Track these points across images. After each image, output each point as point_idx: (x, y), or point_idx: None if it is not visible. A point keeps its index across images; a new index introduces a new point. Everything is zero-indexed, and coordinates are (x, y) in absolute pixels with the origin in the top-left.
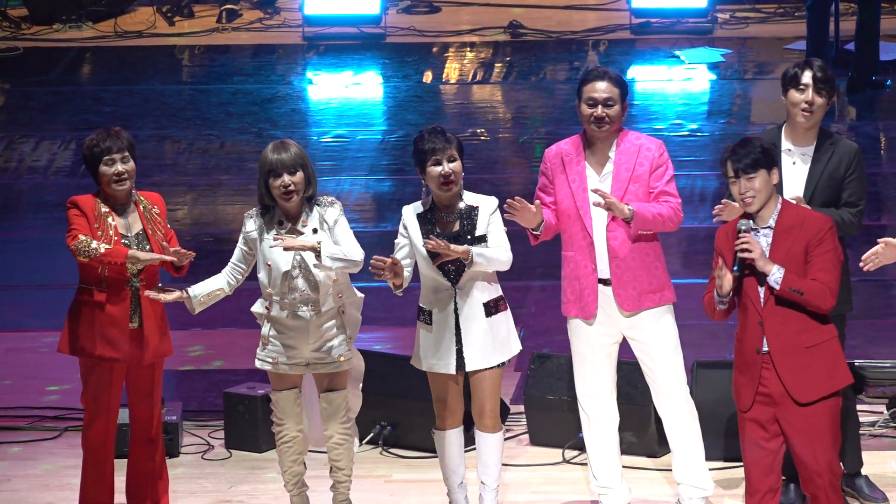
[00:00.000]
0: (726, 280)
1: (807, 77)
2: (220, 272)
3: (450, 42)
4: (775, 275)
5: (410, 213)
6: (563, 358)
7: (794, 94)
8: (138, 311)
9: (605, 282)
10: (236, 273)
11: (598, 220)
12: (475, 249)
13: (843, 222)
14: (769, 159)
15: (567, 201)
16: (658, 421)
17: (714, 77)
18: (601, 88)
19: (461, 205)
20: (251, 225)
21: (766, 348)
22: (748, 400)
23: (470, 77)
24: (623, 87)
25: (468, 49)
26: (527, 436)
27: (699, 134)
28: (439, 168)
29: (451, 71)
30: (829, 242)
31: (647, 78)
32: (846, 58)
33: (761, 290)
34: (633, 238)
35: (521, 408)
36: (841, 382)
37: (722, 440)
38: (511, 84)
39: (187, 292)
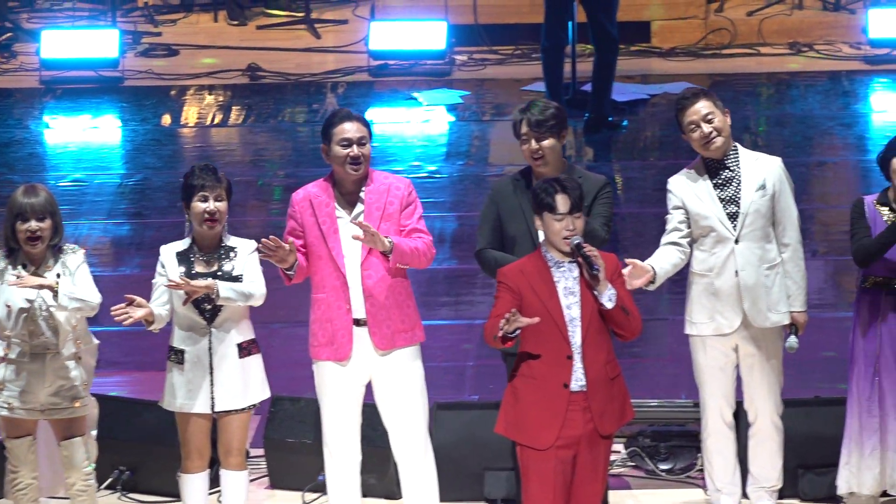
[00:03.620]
0: (521, 321)
1: (524, 127)
2: None
3: (188, 85)
4: (609, 291)
5: (169, 252)
6: (303, 401)
7: (521, 146)
8: None
9: (359, 322)
10: None
11: (352, 260)
12: (223, 284)
13: (592, 231)
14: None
15: (318, 244)
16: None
17: (452, 119)
18: (353, 129)
19: (221, 245)
20: None
21: (578, 385)
22: (550, 438)
23: (209, 120)
24: (369, 126)
25: (207, 92)
26: (267, 479)
27: (438, 175)
28: (204, 205)
29: (190, 114)
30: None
31: (385, 120)
32: (583, 99)
33: (578, 325)
34: (390, 274)
35: (261, 451)
36: (630, 415)
37: (460, 481)
38: (250, 127)
39: None
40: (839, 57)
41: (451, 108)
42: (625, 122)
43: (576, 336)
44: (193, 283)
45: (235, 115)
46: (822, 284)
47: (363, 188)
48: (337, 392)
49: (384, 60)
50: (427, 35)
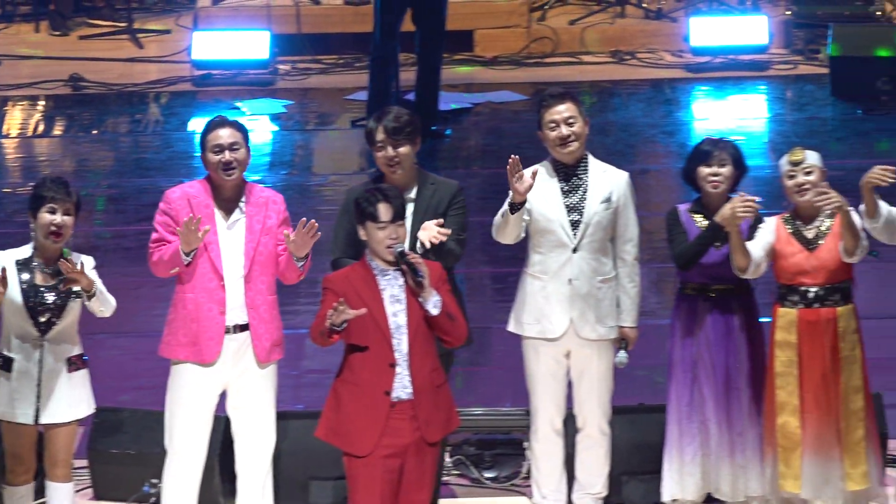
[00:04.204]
0: (349, 313)
1: (381, 134)
2: None
3: (10, 96)
4: (434, 298)
5: (8, 258)
6: (127, 412)
7: (376, 153)
8: None
9: (229, 329)
10: None
11: (232, 267)
12: (99, 284)
13: (449, 251)
14: None
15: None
16: (222, 472)
17: (276, 128)
18: (225, 135)
19: (61, 258)
20: None
21: (405, 393)
22: (369, 445)
23: (31, 130)
24: (244, 132)
25: (28, 102)
26: (91, 490)
27: (261, 185)
28: (51, 217)
29: (12, 125)
30: (448, 283)
31: None
32: (410, 107)
33: (405, 333)
34: (269, 290)
35: (85, 462)
36: (456, 423)
37: (286, 491)
38: (72, 137)
39: None
40: (661, 65)
41: (275, 118)
42: (448, 131)
43: (402, 344)
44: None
45: (58, 125)
46: (644, 292)
47: (242, 198)
48: (194, 395)
49: (207, 70)
50: (250, 45)
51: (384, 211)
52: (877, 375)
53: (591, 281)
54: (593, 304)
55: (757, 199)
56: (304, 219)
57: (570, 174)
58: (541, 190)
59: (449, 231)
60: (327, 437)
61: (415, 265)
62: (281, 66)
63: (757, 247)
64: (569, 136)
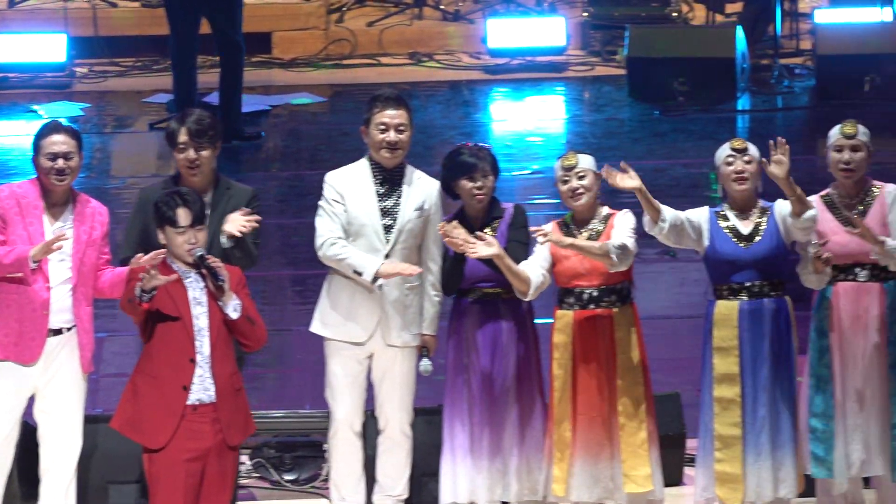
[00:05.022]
0: (159, 279)
1: (183, 136)
2: None
3: None
4: (234, 301)
5: None
6: None
7: (177, 155)
8: None
9: (53, 332)
10: None
11: (58, 273)
12: None
13: (248, 249)
14: None
15: (22, 243)
16: (20, 476)
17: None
18: (60, 141)
19: None
20: None
21: (206, 397)
22: (164, 437)
23: None
24: (79, 139)
25: None
26: None
27: (86, 195)
28: None
29: None
30: (247, 287)
31: (5, 133)
32: (211, 110)
33: (206, 335)
34: (86, 300)
35: None
36: (253, 428)
37: (85, 495)
38: None
39: None
40: (459, 67)
41: (72, 121)
42: (262, 133)
43: (204, 346)
44: None
45: None
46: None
47: (69, 205)
48: (9, 395)
49: (4, 73)
50: (47, 47)
51: (183, 216)
52: (674, 375)
53: (400, 287)
54: (400, 311)
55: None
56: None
57: (387, 178)
58: (357, 191)
59: (256, 219)
60: (122, 429)
61: (215, 269)
62: (78, 69)
63: (535, 265)
64: (396, 142)
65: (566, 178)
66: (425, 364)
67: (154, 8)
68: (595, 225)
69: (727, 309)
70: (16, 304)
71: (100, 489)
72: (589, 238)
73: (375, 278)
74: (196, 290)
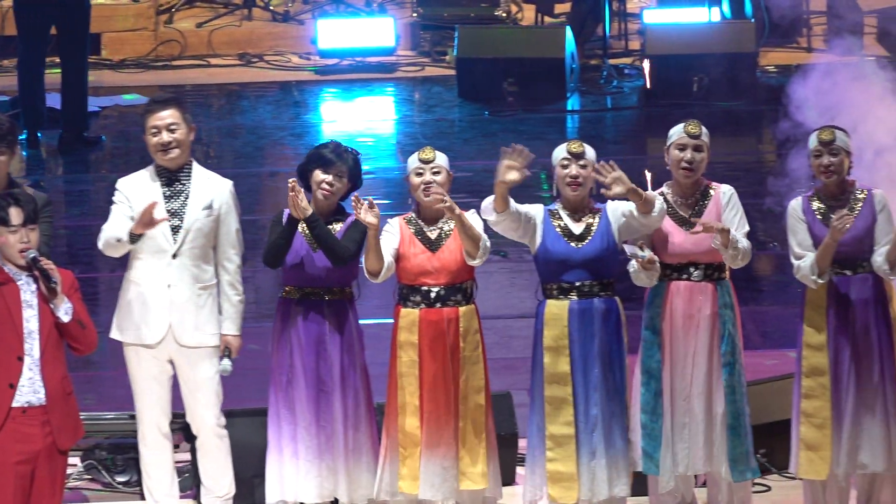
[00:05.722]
0: None
1: None
2: None
3: None
4: (66, 304)
5: None
6: None
7: None
8: None
9: None
10: None
11: None
12: None
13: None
14: None
15: None
16: None
17: None
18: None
19: None
20: None
21: (35, 400)
22: None
23: None
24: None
25: None
26: None
27: None
28: None
29: None
30: (79, 291)
31: None
32: (53, 115)
33: (37, 338)
34: None
35: None
36: (83, 431)
37: None
38: None
39: None
40: (289, 68)
41: None
42: (103, 138)
43: (34, 350)
44: None
45: None
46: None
47: None
48: None
49: None
50: None
51: (15, 214)
52: (506, 375)
53: (192, 288)
54: (193, 311)
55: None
56: None
57: (172, 179)
58: (143, 194)
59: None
60: None
61: (48, 271)
62: None
63: (385, 252)
64: (170, 142)
65: (420, 171)
66: (225, 364)
67: None
68: (443, 223)
69: (557, 308)
70: None
71: None
72: (438, 237)
73: (131, 236)
74: (27, 292)
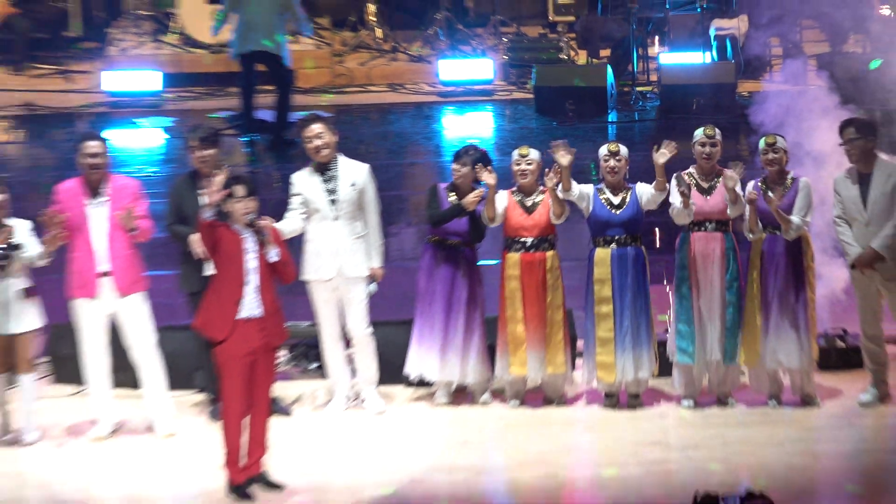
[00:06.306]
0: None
1: (193, 141)
2: None
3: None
4: (274, 249)
5: None
6: (65, 326)
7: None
8: None
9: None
10: None
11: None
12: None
13: None
14: None
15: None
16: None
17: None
18: (94, 146)
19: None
20: None
21: (256, 312)
22: (225, 332)
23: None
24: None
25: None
26: (49, 378)
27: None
28: None
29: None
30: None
31: (115, 139)
32: (264, 125)
33: (256, 272)
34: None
35: (47, 359)
36: (287, 334)
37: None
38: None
39: None
40: (422, 93)
41: (166, 130)
42: (297, 140)
43: (254, 280)
44: None
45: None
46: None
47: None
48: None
49: (116, 98)
50: (146, 80)
51: (240, 189)
52: (570, 298)
53: (349, 238)
54: (351, 254)
55: (484, 188)
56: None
57: (326, 169)
58: (307, 184)
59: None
60: (202, 326)
61: (262, 228)
62: (168, 95)
63: (498, 206)
64: (320, 145)
65: (518, 162)
66: (371, 287)
67: (220, 53)
68: (535, 195)
69: (603, 254)
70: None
71: (189, 374)
72: (532, 205)
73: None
74: (249, 242)
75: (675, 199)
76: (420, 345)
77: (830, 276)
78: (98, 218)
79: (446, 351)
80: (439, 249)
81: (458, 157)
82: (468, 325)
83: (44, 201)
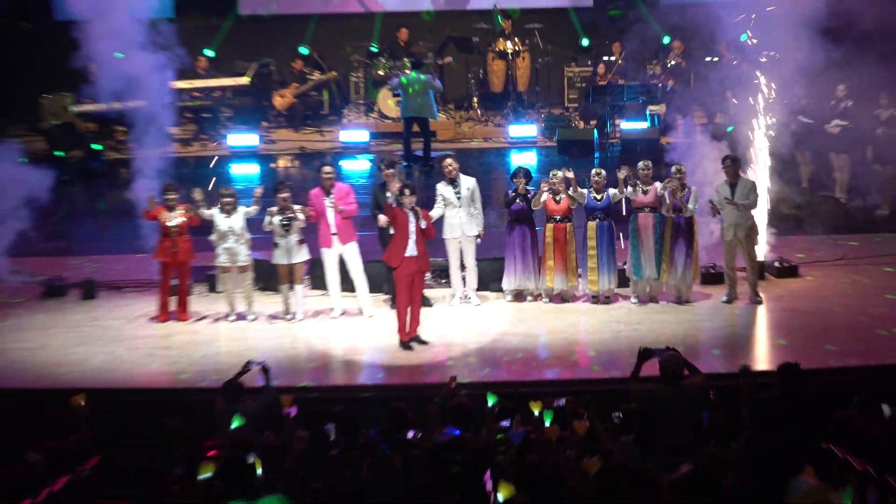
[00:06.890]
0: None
1: (386, 168)
2: None
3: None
4: (422, 221)
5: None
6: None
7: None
8: None
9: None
10: None
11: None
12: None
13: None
14: None
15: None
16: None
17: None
18: (328, 170)
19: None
20: None
21: (414, 252)
22: (398, 262)
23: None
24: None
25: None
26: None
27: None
28: None
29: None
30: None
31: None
32: (416, 157)
33: (415, 232)
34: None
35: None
36: (430, 264)
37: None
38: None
39: None
40: (499, 141)
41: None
42: (436, 166)
43: (413, 237)
44: None
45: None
46: (495, 220)
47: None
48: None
49: (349, 150)
50: (358, 136)
51: (407, 190)
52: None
53: (467, 216)
54: (466, 224)
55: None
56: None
57: (454, 183)
58: (444, 190)
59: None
60: (387, 259)
61: (416, 211)
62: (371, 143)
63: (541, 200)
64: (451, 169)
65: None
66: (477, 241)
67: (397, 122)
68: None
69: (592, 224)
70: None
71: (383, 280)
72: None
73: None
74: (411, 217)
75: (628, 194)
76: (508, 269)
77: (709, 236)
78: (330, 206)
79: (516, 272)
80: (513, 220)
81: (514, 175)
82: (527, 261)
83: (304, 197)
